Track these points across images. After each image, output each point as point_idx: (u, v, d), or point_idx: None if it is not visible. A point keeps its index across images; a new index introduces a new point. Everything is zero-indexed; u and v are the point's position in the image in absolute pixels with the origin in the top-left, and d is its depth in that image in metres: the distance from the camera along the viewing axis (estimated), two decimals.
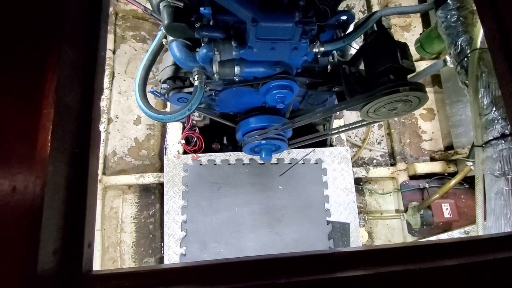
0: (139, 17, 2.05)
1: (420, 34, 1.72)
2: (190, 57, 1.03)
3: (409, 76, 1.15)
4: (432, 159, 1.97)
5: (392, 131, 2.03)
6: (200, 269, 0.54)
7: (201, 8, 0.93)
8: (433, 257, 0.56)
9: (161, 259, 1.70)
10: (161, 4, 0.88)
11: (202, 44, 1.00)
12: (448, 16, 1.15)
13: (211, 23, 0.97)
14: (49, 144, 0.49)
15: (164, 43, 1.05)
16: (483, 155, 0.97)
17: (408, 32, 2.23)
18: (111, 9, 1.94)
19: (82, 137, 0.57)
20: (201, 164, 1.66)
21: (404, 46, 1.12)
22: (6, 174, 0.46)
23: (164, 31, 1.00)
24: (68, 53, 0.57)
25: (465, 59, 1.07)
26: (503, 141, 0.92)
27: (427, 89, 2.11)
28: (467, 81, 1.05)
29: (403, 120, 2.07)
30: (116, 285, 0.52)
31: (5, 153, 0.47)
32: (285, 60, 1.13)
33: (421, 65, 1.97)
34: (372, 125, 2.11)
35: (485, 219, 0.98)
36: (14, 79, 0.51)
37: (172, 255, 1.51)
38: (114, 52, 1.93)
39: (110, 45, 1.89)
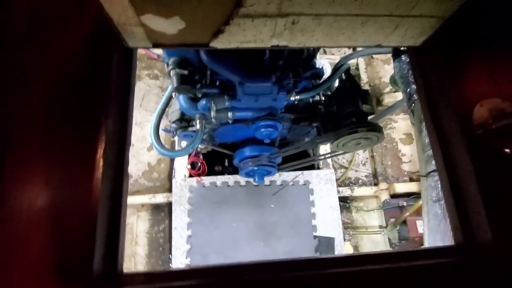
0: (152, 58, 2.39)
1: None
2: (193, 106, 1.32)
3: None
4: (411, 179, 2.18)
5: (374, 154, 2.26)
6: (205, 270, 0.77)
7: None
8: (393, 261, 0.77)
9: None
10: (171, 72, 1.17)
11: (202, 97, 1.30)
12: (401, 68, 1.42)
13: (208, 82, 1.26)
14: (99, 187, 0.77)
15: (173, 95, 1.35)
16: (426, 183, 1.21)
17: (388, 65, 2.50)
18: None
19: (117, 182, 0.85)
20: (204, 186, 1.93)
21: (365, 93, 1.38)
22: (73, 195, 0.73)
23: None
24: (110, 124, 0.85)
25: (413, 104, 1.32)
26: None
27: (406, 116, 2.35)
28: (413, 122, 1.31)
29: (385, 144, 2.30)
30: (143, 279, 0.77)
31: (76, 187, 0.75)
32: (269, 105, 1.41)
33: (398, 96, 2.22)
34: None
35: None
36: (75, 145, 0.79)
37: (179, 266, 1.75)
38: None
39: None
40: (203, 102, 1.28)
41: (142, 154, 2.21)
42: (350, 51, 2.60)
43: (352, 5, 0.69)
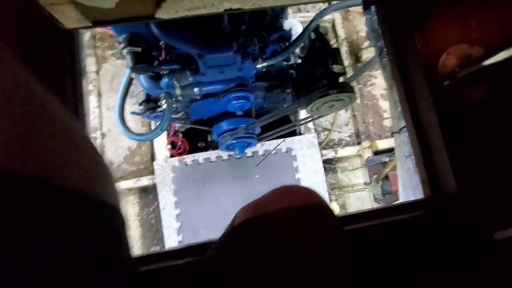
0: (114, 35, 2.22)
1: None
2: (156, 86, 1.25)
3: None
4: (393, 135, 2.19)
5: (356, 113, 2.24)
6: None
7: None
8: (369, 219, 0.79)
9: (164, 247, 2.00)
10: (123, 51, 1.09)
11: (163, 75, 1.22)
12: (372, 20, 1.34)
13: (167, 58, 1.18)
14: None
15: (133, 76, 1.27)
16: (399, 139, 1.20)
17: None
18: (89, 33, 2.12)
19: None
20: (186, 165, 1.92)
21: (335, 52, 1.32)
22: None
23: None
24: None
25: (384, 59, 1.27)
26: None
27: None
28: (386, 78, 1.26)
29: (366, 102, 2.27)
30: None
31: None
32: (236, 76, 1.34)
33: None
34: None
35: None
36: None
37: (172, 243, 1.81)
38: (97, 72, 2.13)
39: (93, 67, 2.09)
40: (165, 80, 1.21)
41: (120, 139, 2.16)
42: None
43: None
